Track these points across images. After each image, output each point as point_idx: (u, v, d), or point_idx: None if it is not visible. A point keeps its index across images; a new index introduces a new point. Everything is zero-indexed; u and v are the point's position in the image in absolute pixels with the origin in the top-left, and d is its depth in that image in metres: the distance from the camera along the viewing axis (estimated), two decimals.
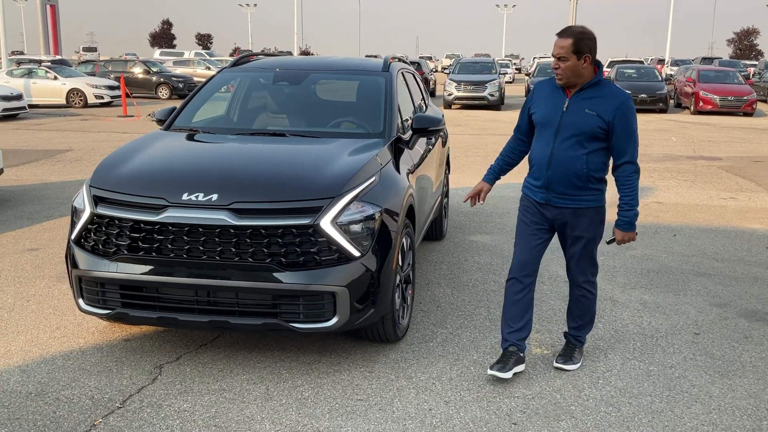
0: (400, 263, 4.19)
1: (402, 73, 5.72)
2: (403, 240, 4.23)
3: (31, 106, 21.57)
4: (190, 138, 4.73)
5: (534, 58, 54.10)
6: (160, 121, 5.19)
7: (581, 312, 4.07)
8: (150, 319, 3.80)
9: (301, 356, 4.10)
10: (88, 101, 23.18)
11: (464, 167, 11.31)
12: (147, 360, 4.04)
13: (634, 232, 3.81)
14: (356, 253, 3.71)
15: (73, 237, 3.98)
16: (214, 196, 3.69)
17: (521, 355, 3.92)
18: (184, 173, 3.99)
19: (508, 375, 3.80)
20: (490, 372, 3.79)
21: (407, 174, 4.56)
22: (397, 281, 4.13)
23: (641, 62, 32.73)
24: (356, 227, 3.74)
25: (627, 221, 3.76)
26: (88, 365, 3.98)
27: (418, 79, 6.58)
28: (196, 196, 3.69)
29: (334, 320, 3.71)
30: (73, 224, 4.03)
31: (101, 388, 3.71)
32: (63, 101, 23.15)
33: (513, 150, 4.06)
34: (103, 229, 3.83)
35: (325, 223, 3.65)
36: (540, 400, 3.66)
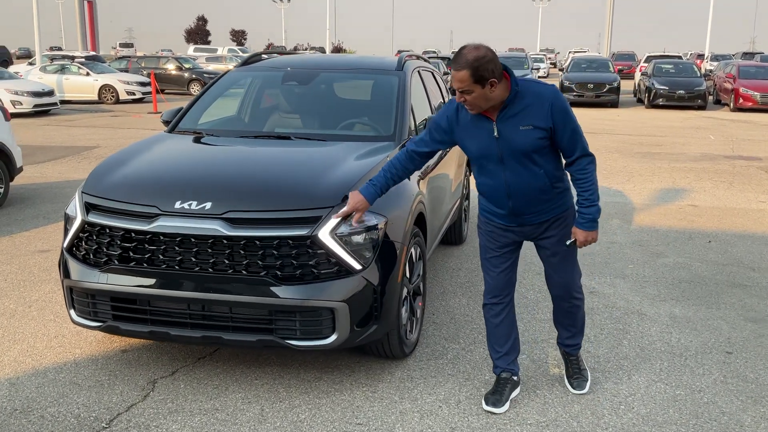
0: (408, 275, 3.94)
1: (418, 71, 5.45)
2: (412, 250, 3.98)
3: (63, 102, 21.79)
4: (192, 141, 4.53)
5: (569, 52, 53.23)
6: (166, 122, 5.01)
7: (572, 321, 3.72)
8: (141, 332, 3.61)
9: (301, 372, 3.88)
10: (120, 97, 23.33)
11: None
12: (141, 374, 3.86)
13: (596, 230, 3.35)
14: (357, 266, 3.47)
15: (65, 245, 3.81)
16: (208, 205, 3.48)
17: (515, 378, 3.65)
18: (178, 180, 3.79)
19: (505, 408, 3.52)
20: (486, 408, 3.51)
21: (418, 179, 4.30)
22: (404, 294, 3.88)
23: (680, 57, 31.88)
24: (357, 238, 3.50)
25: (590, 219, 3.29)
26: (80, 379, 3.81)
27: (437, 77, 6.31)
28: (189, 205, 3.49)
29: (333, 338, 3.47)
30: (66, 232, 3.87)
31: (89, 405, 3.53)
32: (95, 97, 23.32)
33: (404, 167, 3.50)
34: (94, 237, 3.65)
35: (324, 234, 3.42)
36: (555, 428, 3.39)
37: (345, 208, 3.43)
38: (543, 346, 4.34)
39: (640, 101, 25.41)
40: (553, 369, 4.02)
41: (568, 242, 3.42)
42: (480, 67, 3.02)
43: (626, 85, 27.92)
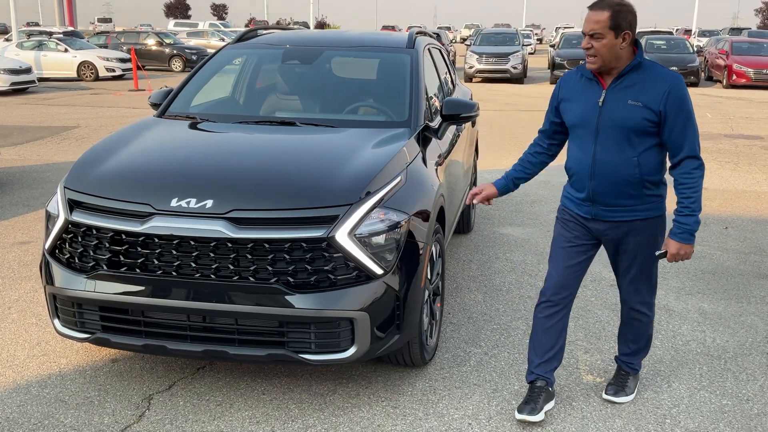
0: (429, 276, 3.58)
1: (428, 49, 5.04)
2: (432, 248, 3.61)
3: (41, 80, 21.08)
4: (187, 128, 4.10)
5: (557, 28, 52.68)
6: (155, 105, 4.57)
7: (635, 336, 3.42)
8: (135, 346, 3.21)
9: (313, 385, 3.52)
10: (100, 74, 22.64)
11: (490, 146, 10.56)
12: (135, 388, 3.48)
13: (692, 245, 3.01)
14: (378, 271, 3.10)
15: (47, 247, 3.40)
16: (209, 203, 3.08)
17: (551, 389, 3.31)
18: (174, 174, 3.37)
19: (540, 417, 3.19)
20: (519, 416, 3.18)
21: (435, 167, 3.93)
22: (426, 297, 3.52)
23: (670, 33, 31.52)
24: (378, 239, 3.12)
25: (686, 230, 2.96)
26: (66, 395, 3.42)
27: (444, 54, 5.90)
28: (188, 202, 3.09)
29: (353, 350, 3.10)
30: (47, 232, 3.45)
31: (78, 427, 3.15)
32: (74, 74, 22.61)
33: (532, 159, 3.35)
34: (80, 239, 3.24)
35: (342, 236, 3.03)
36: None
37: (477, 188, 3.34)
38: (571, 348, 4.00)
39: None
40: (586, 376, 3.69)
41: (657, 252, 3.07)
42: (621, 11, 2.87)
43: None
